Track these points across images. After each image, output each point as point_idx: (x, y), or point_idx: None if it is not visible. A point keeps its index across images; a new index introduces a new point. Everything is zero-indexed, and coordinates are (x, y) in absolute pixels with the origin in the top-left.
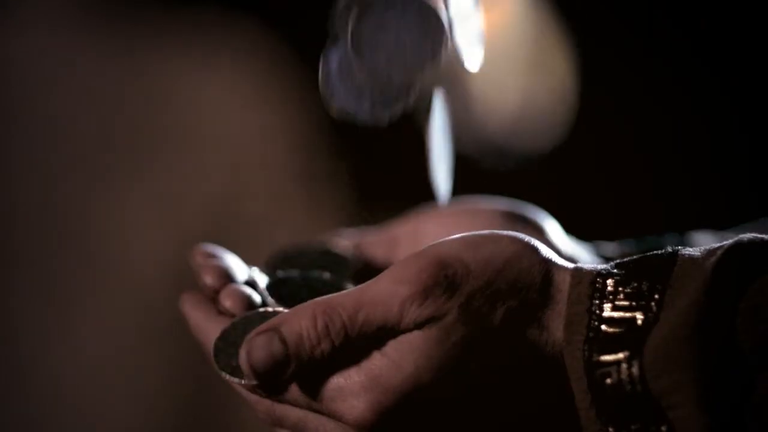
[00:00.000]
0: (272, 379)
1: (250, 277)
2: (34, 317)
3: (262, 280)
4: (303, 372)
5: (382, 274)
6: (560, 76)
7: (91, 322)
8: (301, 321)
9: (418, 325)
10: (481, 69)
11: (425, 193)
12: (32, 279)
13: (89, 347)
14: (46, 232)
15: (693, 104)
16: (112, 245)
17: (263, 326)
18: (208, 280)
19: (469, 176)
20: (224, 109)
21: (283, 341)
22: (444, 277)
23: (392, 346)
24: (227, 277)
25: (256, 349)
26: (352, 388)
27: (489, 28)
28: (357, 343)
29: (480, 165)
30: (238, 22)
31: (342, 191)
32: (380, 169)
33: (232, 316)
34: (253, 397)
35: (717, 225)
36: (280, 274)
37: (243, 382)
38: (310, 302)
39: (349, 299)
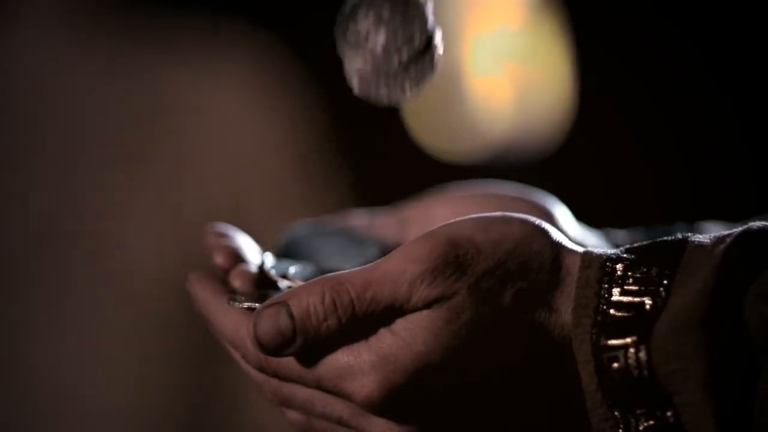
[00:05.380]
0: (279, 353)
1: (262, 261)
2: (34, 317)
3: (274, 263)
4: (310, 348)
5: (392, 252)
6: (562, 72)
7: (92, 322)
8: (309, 296)
9: (427, 305)
10: (483, 68)
11: (423, 189)
12: (32, 279)
13: (90, 347)
14: (47, 232)
15: (693, 102)
16: (113, 246)
17: (271, 300)
18: (219, 259)
19: (477, 167)
20: (225, 112)
21: (290, 315)
22: (454, 257)
23: (401, 325)
24: (237, 257)
25: (263, 322)
26: (361, 367)
27: (491, 28)
28: (365, 321)
29: (484, 161)
30: (239, 25)
31: (343, 193)
32: (381, 168)
33: (241, 296)
34: (260, 377)
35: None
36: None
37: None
38: (319, 278)
39: (358, 276)
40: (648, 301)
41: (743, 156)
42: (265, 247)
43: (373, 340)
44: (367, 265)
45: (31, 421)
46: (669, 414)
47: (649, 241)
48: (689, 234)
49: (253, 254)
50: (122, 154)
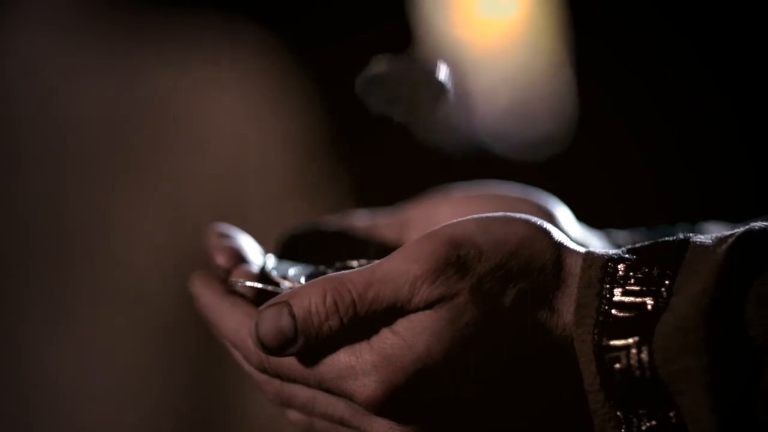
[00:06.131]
0: (280, 353)
1: (264, 263)
2: (33, 317)
3: (275, 264)
4: (311, 348)
5: (394, 252)
6: (564, 73)
7: (92, 322)
8: (310, 296)
9: (429, 305)
10: (486, 67)
11: (424, 190)
12: (32, 280)
13: (90, 347)
14: (48, 233)
15: (694, 102)
16: (113, 246)
17: (273, 300)
18: (221, 260)
19: (478, 169)
20: (226, 113)
21: (292, 315)
22: (456, 258)
23: (403, 325)
24: (239, 257)
25: (265, 322)
26: (363, 367)
27: (493, 27)
28: (367, 321)
29: (486, 158)
30: (240, 25)
31: (343, 193)
32: (382, 169)
33: (242, 296)
34: (262, 378)
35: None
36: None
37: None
38: (321, 278)
39: (360, 276)
40: (650, 302)
41: (744, 156)
42: (266, 247)
43: (374, 340)
44: (369, 266)
45: (32, 422)
46: (671, 414)
47: (651, 242)
48: (691, 234)
49: (255, 255)
50: (122, 154)
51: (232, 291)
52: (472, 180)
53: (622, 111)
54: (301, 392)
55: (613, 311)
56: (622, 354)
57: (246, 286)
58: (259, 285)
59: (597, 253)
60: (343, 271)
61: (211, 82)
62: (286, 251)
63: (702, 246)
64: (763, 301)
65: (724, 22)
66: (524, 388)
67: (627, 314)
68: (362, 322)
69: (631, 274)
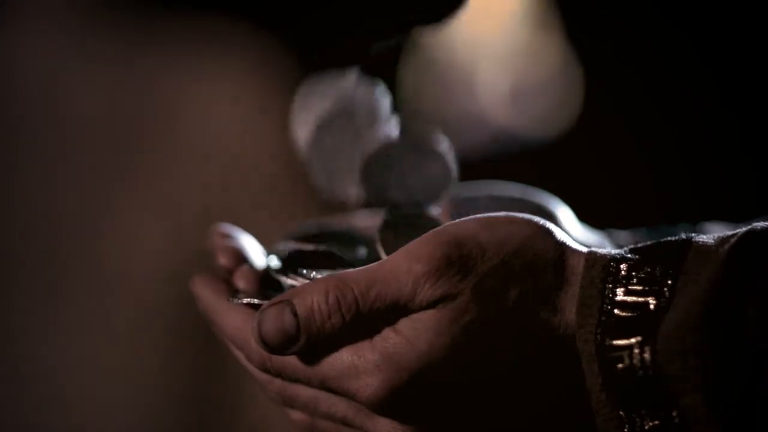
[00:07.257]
0: (283, 352)
1: (266, 264)
2: (33, 318)
3: (277, 263)
4: (314, 347)
5: (396, 251)
6: (565, 73)
7: (91, 323)
8: (313, 295)
9: (431, 304)
10: (485, 62)
11: None
12: (33, 280)
13: (89, 347)
14: (47, 233)
15: (695, 102)
16: (112, 246)
17: (275, 298)
18: (223, 260)
19: (478, 167)
20: (224, 114)
21: (294, 314)
22: (459, 257)
23: (405, 324)
24: (241, 257)
25: (267, 320)
26: (365, 366)
27: (493, 24)
28: (369, 320)
29: (486, 156)
30: (237, 26)
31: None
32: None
33: (243, 294)
34: (264, 377)
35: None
36: (297, 246)
37: None
38: (323, 277)
39: (363, 275)
40: (652, 301)
41: (746, 157)
42: (267, 248)
43: (377, 339)
44: (372, 264)
45: (32, 423)
46: (674, 414)
47: (653, 242)
48: (693, 234)
49: (257, 255)
50: (121, 155)
51: (234, 292)
52: (473, 180)
53: (622, 111)
54: (304, 392)
55: (616, 311)
56: (625, 354)
57: (245, 303)
58: (256, 300)
59: (599, 253)
60: (345, 270)
61: (211, 84)
62: (288, 252)
63: (704, 246)
64: (764, 302)
65: (724, 22)
66: (526, 387)
67: (629, 314)
68: (365, 321)
69: (633, 273)
